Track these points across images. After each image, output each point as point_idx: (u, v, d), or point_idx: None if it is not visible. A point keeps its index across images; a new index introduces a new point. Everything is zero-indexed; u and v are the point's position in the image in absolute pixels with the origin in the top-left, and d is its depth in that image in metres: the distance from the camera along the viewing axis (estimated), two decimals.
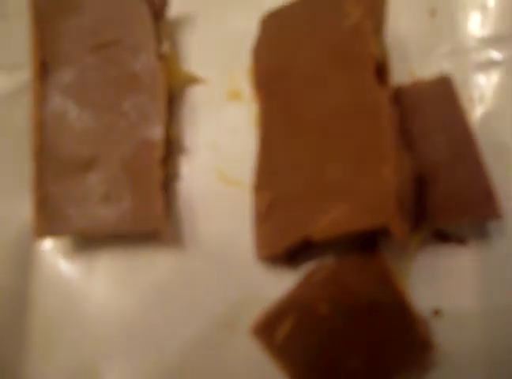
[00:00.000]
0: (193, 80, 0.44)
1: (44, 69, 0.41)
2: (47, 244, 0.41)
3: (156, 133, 0.39)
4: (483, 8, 0.45)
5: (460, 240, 0.40)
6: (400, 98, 0.39)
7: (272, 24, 0.42)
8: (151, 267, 0.41)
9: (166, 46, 0.43)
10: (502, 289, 0.39)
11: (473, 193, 0.37)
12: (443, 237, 0.40)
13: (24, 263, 0.41)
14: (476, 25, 0.44)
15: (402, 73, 0.43)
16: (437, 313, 0.38)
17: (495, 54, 0.43)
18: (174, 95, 0.43)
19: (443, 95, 0.39)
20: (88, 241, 0.41)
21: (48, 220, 0.39)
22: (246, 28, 0.43)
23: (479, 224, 0.40)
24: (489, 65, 0.43)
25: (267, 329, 0.36)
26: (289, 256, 0.39)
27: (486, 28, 0.44)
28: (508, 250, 0.39)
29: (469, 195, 0.37)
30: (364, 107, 0.36)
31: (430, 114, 0.39)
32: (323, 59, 0.38)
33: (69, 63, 0.41)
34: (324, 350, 0.36)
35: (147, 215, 0.38)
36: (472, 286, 0.39)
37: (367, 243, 0.38)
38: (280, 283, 0.39)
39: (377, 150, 0.34)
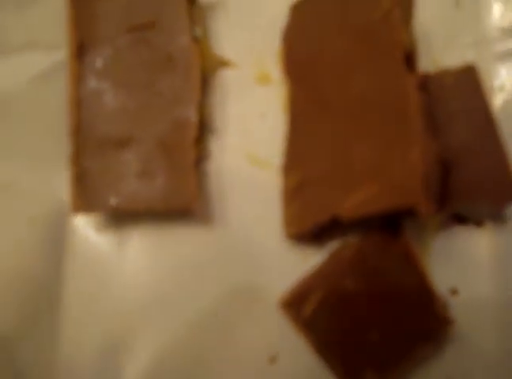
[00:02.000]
0: (224, 63, 0.45)
1: (81, 49, 0.41)
2: (81, 219, 0.42)
3: (190, 113, 0.40)
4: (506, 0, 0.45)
5: (477, 223, 0.41)
6: (427, 85, 0.40)
7: (303, 9, 0.43)
8: (180, 242, 0.42)
9: (199, 30, 0.44)
10: None
11: (494, 178, 0.38)
12: (462, 219, 0.41)
13: (58, 238, 0.42)
14: (498, 16, 0.45)
15: (427, 62, 0.43)
16: (454, 292, 0.40)
17: None
18: (205, 77, 0.44)
19: (468, 84, 0.40)
20: (120, 216, 0.42)
21: (84, 196, 0.40)
22: (276, 14, 0.44)
23: (496, 208, 0.41)
24: (510, 55, 0.44)
25: (295, 304, 0.38)
26: (316, 235, 0.40)
27: (508, 19, 0.45)
28: None
29: (490, 179, 0.38)
30: (393, 93, 0.37)
31: (454, 102, 0.40)
32: (353, 46, 0.39)
33: (105, 44, 0.42)
34: (349, 324, 0.37)
35: (180, 193, 0.39)
36: (487, 267, 0.40)
37: (392, 223, 0.39)
38: (306, 261, 0.40)
39: (405, 134, 0.35)
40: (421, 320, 0.38)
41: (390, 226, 0.39)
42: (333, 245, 0.40)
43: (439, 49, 0.45)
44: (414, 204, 0.34)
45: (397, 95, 0.36)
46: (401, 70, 0.37)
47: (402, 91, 0.36)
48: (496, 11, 0.45)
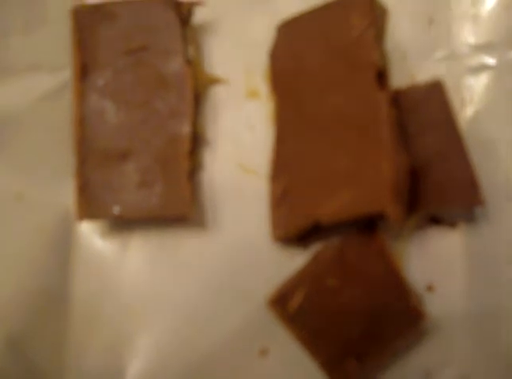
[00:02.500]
0: (215, 80, 0.47)
1: (84, 70, 0.44)
2: (85, 226, 0.44)
3: (184, 128, 0.43)
4: (476, 17, 0.47)
5: (451, 224, 0.43)
6: (398, 99, 0.42)
7: (288, 31, 0.45)
8: (178, 247, 0.44)
9: (191, 50, 0.46)
10: (486, 268, 0.42)
11: (459, 183, 0.41)
12: (436, 221, 0.43)
13: (64, 243, 0.44)
14: (469, 33, 0.47)
15: (402, 76, 0.46)
16: (430, 288, 0.42)
17: (486, 59, 0.46)
18: (198, 93, 0.46)
19: (435, 98, 0.42)
20: (123, 223, 0.44)
21: (88, 205, 0.42)
22: (263, 34, 0.46)
23: (467, 210, 0.43)
24: (480, 69, 0.46)
25: (281, 301, 0.40)
26: (300, 238, 0.42)
27: (478, 36, 0.47)
28: (492, 234, 0.43)
29: (456, 185, 0.41)
30: (366, 108, 0.39)
31: (423, 114, 0.42)
32: (331, 64, 0.42)
33: (105, 66, 0.44)
34: (330, 318, 0.39)
35: (176, 201, 0.42)
36: (460, 265, 0.42)
37: (368, 225, 0.41)
38: (292, 261, 0.42)
39: (377, 145, 0.38)
40: (396, 314, 0.39)
41: (368, 228, 0.41)
42: (317, 247, 0.42)
43: (413, 64, 0.46)
44: (383, 210, 0.36)
45: (370, 110, 0.39)
46: (373, 87, 0.39)
47: (374, 107, 0.39)
48: (467, 28, 0.47)
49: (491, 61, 0.47)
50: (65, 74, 0.47)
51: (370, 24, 0.41)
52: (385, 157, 0.37)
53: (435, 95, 0.43)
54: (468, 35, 0.47)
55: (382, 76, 0.40)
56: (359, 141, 0.39)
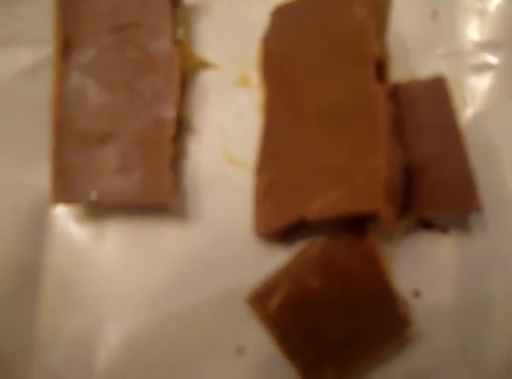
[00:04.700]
0: (204, 65, 0.46)
1: (66, 47, 0.42)
2: (60, 210, 0.43)
3: (169, 112, 0.41)
4: (482, 13, 0.46)
5: (442, 229, 0.42)
6: (397, 94, 0.41)
7: (282, 16, 0.44)
8: (156, 237, 0.43)
9: (181, 31, 0.45)
10: (476, 276, 0.41)
11: (456, 187, 0.39)
12: (427, 225, 0.42)
13: (39, 226, 0.43)
14: (474, 30, 0.46)
15: (401, 70, 0.44)
16: (417, 294, 0.41)
17: (490, 58, 0.45)
18: (186, 77, 0.45)
19: (437, 95, 0.41)
20: (99, 208, 0.43)
21: (64, 189, 0.41)
22: (256, 18, 0.45)
23: (461, 215, 0.42)
24: (483, 68, 0.45)
25: (260, 299, 0.38)
26: (284, 234, 0.41)
27: (483, 33, 0.46)
28: (486, 242, 0.41)
29: (453, 188, 0.39)
30: (362, 101, 0.38)
31: (423, 111, 0.41)
32: (328, 54, 0.40)
33: (89, 42, 0.43)
34: (311, 320, 0.38)
35: (156, 189, 0.40)
36: (450, 271, 0.41)
37: (357, 225, 0.40)
38: (274, 259, 0.41)
39: (371, 142, 0.36)
40: (382, 319, 0.38)
41: (356, 227, 0.40)
42: (301, 245, 0.41)
43: (415, 59, 0.45)
44: (375, 209, 0.35)
45: (366, 104, 0.37)
46: (371, 80, 0.38)
47: (371, 100, 0.37)
48: (472, 24, 0.46)
49: (494, 60, 0.45)
50: (48, 49, 0.45)
51: (371, 13, 0.39)
52: (379, 154, 0.36)
53: (437, 91, 0.41)
54: (473, 32, 0.46)
55: (381, 68, 0.39)
56: (353, 136, 0.38)
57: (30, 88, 0.45)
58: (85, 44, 0.43)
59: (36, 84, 0.45)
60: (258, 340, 0.40)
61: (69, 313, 0.42)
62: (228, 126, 0.45)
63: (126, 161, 0.41)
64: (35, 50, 0.46)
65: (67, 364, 0.41)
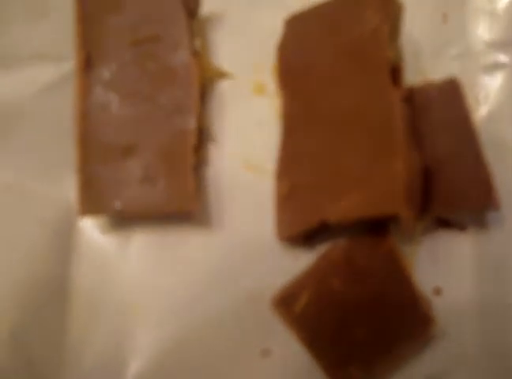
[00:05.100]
0: (222, 75, 0.47)
1: (88, 62, 0.43)
2: (87, 221, 0.44)
3: (190, 123, 0.42)
4: (492, 14, 0.47)
5: (461, 227, 0.42)
6: (412, 97, 0.41)
7: (296, 24, 0.44)
8: (180, 244, 0.43)
9: (198, 43, 0.46)
10: (496, 273, 0.41)
11: (474, 186, 0.40)
12: (446, 224, 0.42)
13: (65, 239, 0.44)
14: (484, 30, 0.46)
15: (415, 73, 0.45)
16: (438, 292, 0.41)
17: (501, 58, 0.46)
18: (204, 88, 0.45)
19: (451, 96, 0.42)
20: (125, 218, 0.44)
21: (91, 201, 0.42)
22: (271, 28, 0.45)
23: (479, 213, 0.42)
24: (495, 67, 0.46)
25: (286, 302, 0.39)
26: (307, 237, 0.42)
27: (493, 33, 0.46)
28: (504, 239, 0.42)
29: (470, 187, 0.40)
30: (378, 106, 0.38)
31: (438, 113, 0.41)
32: (343, 60, 0.41)
33: (110, 57, 0.43)
34: (336, 321, 0.39)
35: (180, 197, 0.41)
36: (469, 268, 0.42)
37: (378, 227, 0.40)
38: (298, 262, 0.41)
39: (389, 145, 0.37)
40: (405, 319, 0.39)
41: (377, 229, 0.40)
42: (323, 248, 0.41)
43: (427, 61, 0.46)
44: (396, 212, 0.35)
45: (382, 108, 0.38)
46: (387, 84, 0.38)
47: (387, 105, 0.38)
48: (483, 24, 0.47)
49: (506, 58, 0.46)
50: (71, 65, 0.46)
51: (384, 19, 0.40)
52: (398, 157, 0.36)
53: (450, 93, 0.42)
54: (484, 32, 0.47)
55: (395, 72, 0.39)
56: (371, 140, 0.38)
57: (54, 103, 0.46)
58: (106, 59, 0.44)
59: (60, 99, 0.46)
60: (283, 342, 0.41)
61: (98, 324, 0.42)
62: (248, 134, 0.45)
63: (150, 172, 0.42)
64: (59, 66, 0.47)
65: (98, 374, 0.42)
